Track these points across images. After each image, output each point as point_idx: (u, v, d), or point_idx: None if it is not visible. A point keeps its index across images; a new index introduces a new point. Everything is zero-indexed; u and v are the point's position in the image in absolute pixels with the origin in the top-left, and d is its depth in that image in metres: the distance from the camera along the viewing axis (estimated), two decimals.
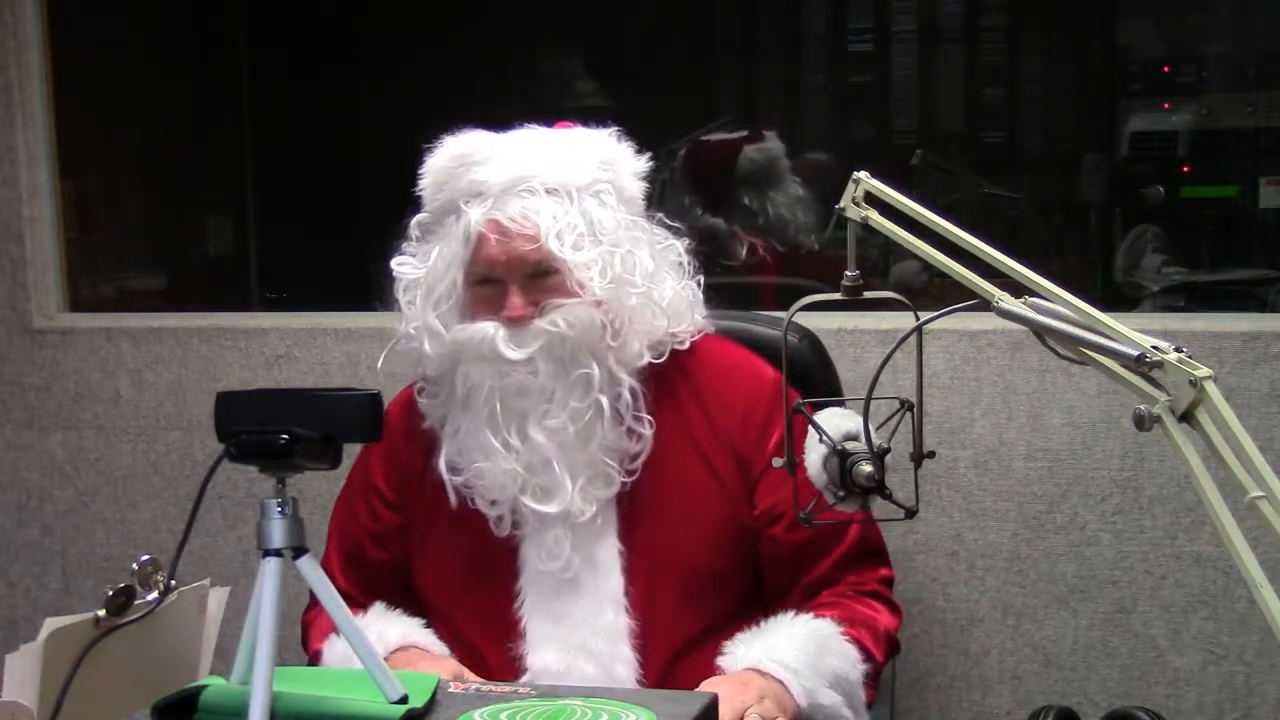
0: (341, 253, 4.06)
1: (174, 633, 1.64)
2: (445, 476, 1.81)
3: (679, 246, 1.89)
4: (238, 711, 1.34)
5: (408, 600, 1.92)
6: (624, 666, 1.78)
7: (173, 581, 1.54)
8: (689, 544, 1.82)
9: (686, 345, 1.86)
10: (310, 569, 1.38)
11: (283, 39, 4.09)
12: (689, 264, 1.88)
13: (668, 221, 1.90)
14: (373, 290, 3.97)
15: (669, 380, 1.86)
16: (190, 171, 3.89)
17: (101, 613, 1.51)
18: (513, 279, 1.78)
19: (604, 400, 1.77)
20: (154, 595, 1.57)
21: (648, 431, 1.80)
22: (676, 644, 1.81)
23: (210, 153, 4.04)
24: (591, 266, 1.76)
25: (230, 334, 2.80)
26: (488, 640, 1.83)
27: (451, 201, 1.82)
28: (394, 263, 1.87)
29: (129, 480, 2.87)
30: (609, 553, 1.80)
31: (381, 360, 1.93)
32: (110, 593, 1.52)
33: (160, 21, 3.75)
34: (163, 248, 3.77)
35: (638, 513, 1.82)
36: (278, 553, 1.36)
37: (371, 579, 1.94)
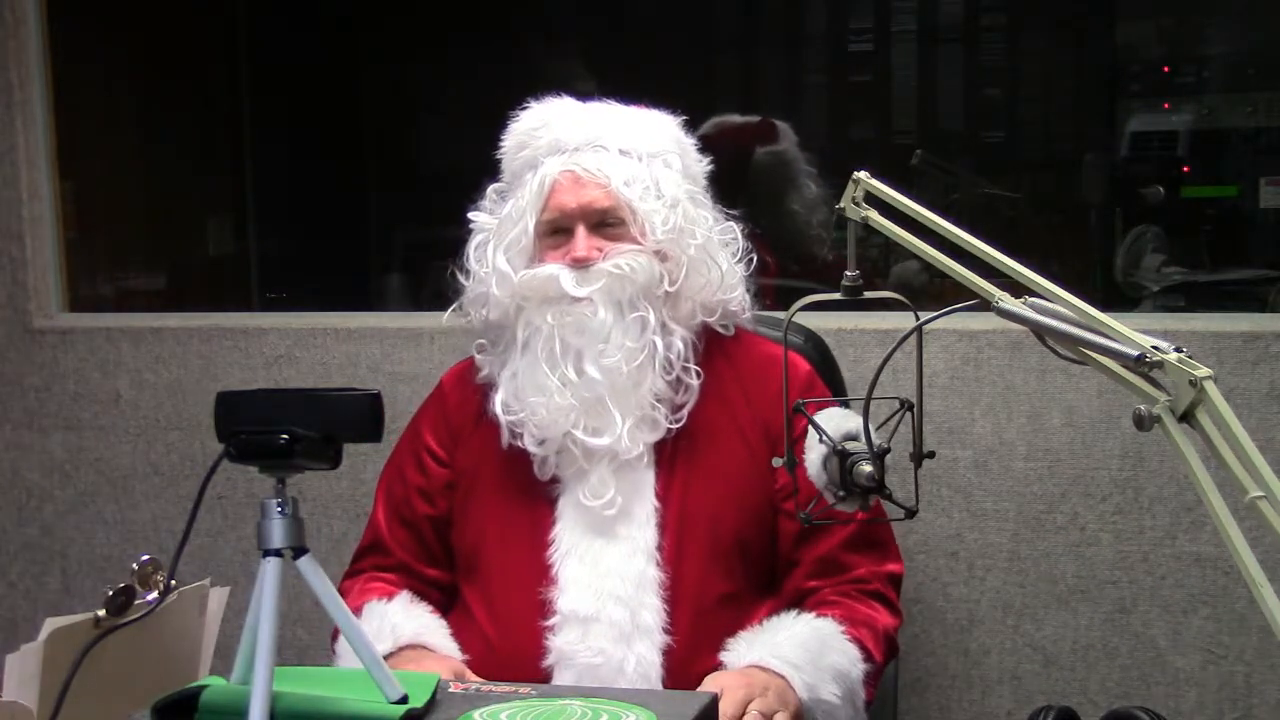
0: (341, 253, 4.07)
1: (174, 633, 1.64)
2: (500, 415, 1.87)
3: (736, 230, 1.98)
4: (238, 711, 1.34)
5: (447, 562, 1.98)
6: (651, 615, 1.82)
7: (173, 581, 1.53)
8: (718, 507, 1.88)
9: (732, 331, 1.95)
10: (310, 569, 1.38)
11: (283, 39, 4.09)
12: (743, 248, 1.97)
13: (726, 210, 2.00)
14: (370, 291, 3.99)
15: (713, 359, 1.93)
16: (190, 171, 3.89)
17: (101, 613, 1.51)
18: (581, 225, 1.88)
19: (658, 343, 1.86)
20: (154, 595, 1.57)
21: (695, 382, 1.89)
22: (702, 603, 1.85)
23: (210, 153, 4.04)
24: (654, 216, 1.87)
25: (230, 334, 2.80)
26: (519, 584, 1.87)
27: (531, 159, 1.93)
28: (471, 214, 1.98)
29: (129, 480, 2.87)
30: (645, 505, 1.86)
31: (446, 318, 2.01)
32: (110, 593, 1.52)
33: (160, 22, 3.75)
34: (163, 248, 3.77)
35: (675, 469, 1.89)
36: (278, 553, 1.36)
37: (417, 535, 1.99)
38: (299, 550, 1.37)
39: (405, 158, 4.02)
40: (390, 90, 4.15)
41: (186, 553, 1.43)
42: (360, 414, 1.39)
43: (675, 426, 1.88)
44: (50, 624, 1.49)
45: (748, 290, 1.96)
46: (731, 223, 1.98)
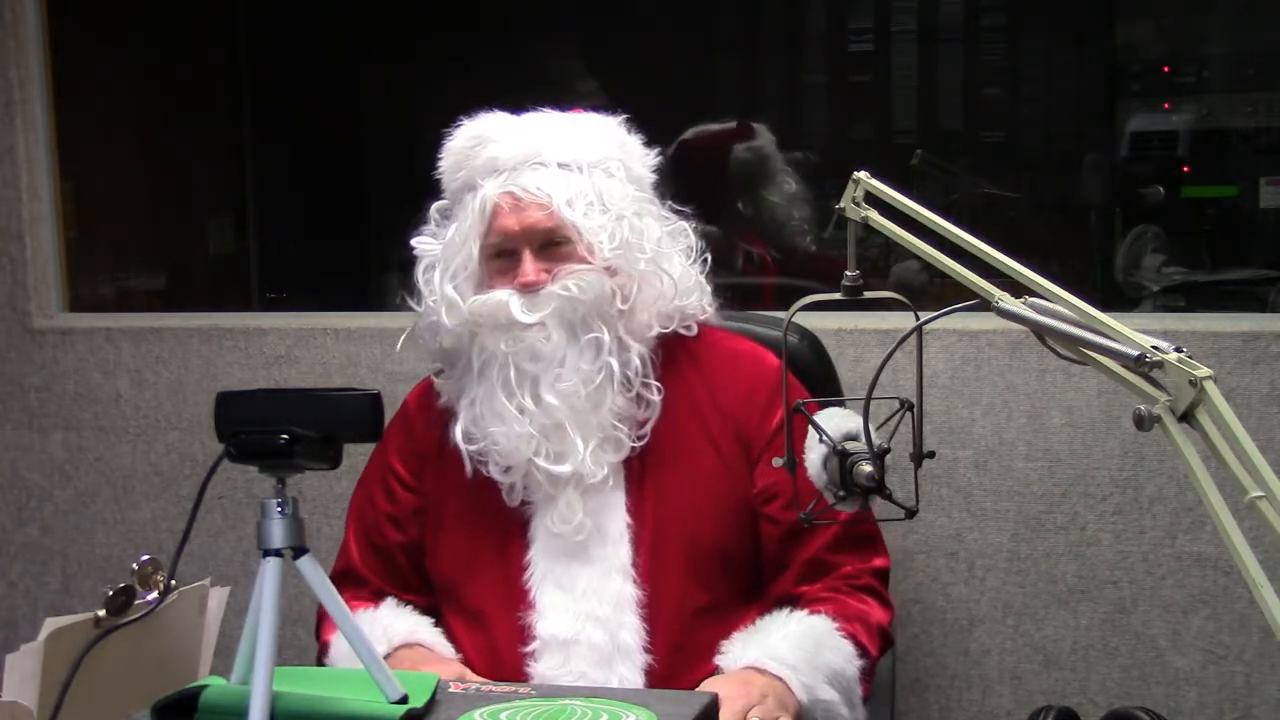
0: (341, 253, 4.07)
1: (174, 633, 1.64)
2: (461, 446, 1.85)
3: (687, 229, 1.94)
4: (238, 711, 1.34)
5: (422, 587, 1.96)
6: (630, 634, 1.81)
7: (173, 581, 1.54)
8: (693, 518, 1.86)
9: (694, 330, 1.91)
10: (310, 569, 1.38)
11: (283, 39, 4.09)
12: (698, 247, 1.93)
13: (676, 206, 1.96)
14: (370, 291, 3.99)
15: (677, 363, 1.91)
16: (190, 171, 3.89)
17: (101, 613, 1.51)
18: (526, 248, 1.84)
19: (614, 364, 1.82)
20: (154, 595, 1.57)
21: (656, 397, 1.86)
22: (682, 616, 1.84)
23: (210, 153, 4.04)
24: (600, 232, 1.83)
25: (230, 334, 2.80)
26: (498, 611, 1.86)
27: (469, 179, 1.88)
28: (414, 241, 1.94)
29: (129, 480, 2.87)
30: (618, 523, 1.84)
31: (400, 343, 2.00)
32: (110, 593, 1.52)
33: (160, 21, 3.75)
34: (163, 248, 3.77)
35: (645, 484, 1.86)
36: (278, 553, 1.36)
37: (389, 562, 1.97)
38: (299, 550, 1.37)
39: (405, 158, 4.02)
40: (390, 90, 4.15)
41: (186, 553, 1.44)
42: (360, 414, 1.39)
43: (639, 445, 1.85)
44: (50, 624, 1.49)
45: (705, 288, 1.92)
46: (683, 223, 1.94)
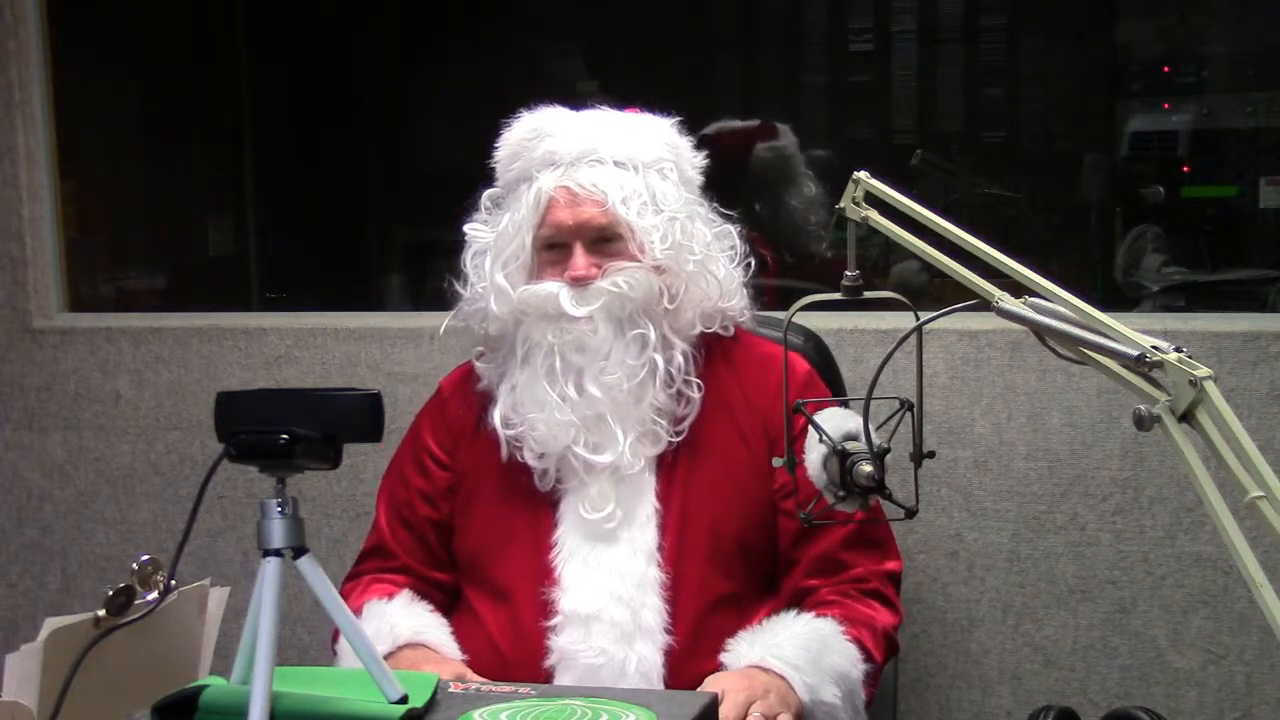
0: (341, 253, 4.07)
1: (174, 633, 1.64)
2: (499, 429, 1.88)
3: (733, 232, 1.97)
4: (238, 711, 1.34)
5: (450, 564, 1.99)
6: (652, 614, 1.83)
7: (173, 581, 1.53)
8: (719, 509, 1.89)
9: (732, 332, 1.95)
10: (310, 569, 1.38)
11: (283, 40, 4.09)
12: (740, 251, 1.97)
13: (723, 210, 1.99)
14: (371, 291, 3.99)
15: (713, 360, 1.94)
16: (190, 171, 3.89)
17: (101, 613, 1.51)
18: (578, 242, 1.87)
19: (659, 360, 1.86)
20: (154, 595, 1.57)
21: (696, 395, 1.89)
22: (703, 602, 1.86)
23: (210, 153, 4.04)
24: (653, 232, 1.86)
25: (230, 334, 2.80)
26: (523, 586, 1.88)
27: (525, 171, 1.92)
28: (467, 227, 1.97)
29: (129, 480, 2.87)
30: (646, 507, 1.87)
31: (444, 327, 2.02)
32: (110, 593, 1.52)
33: (160, 22, 3.75)
34: (163, 248, 3.77)
35: (676, 473, 1.89)
36: (278, 553, 1.36)
37: (419, 538, 1.99)
38: (299, 550, 1.37)
39: (405, 158, 4.02)
40: (390, 90, 4.15)
41: (186, 553, 1.43)
42: (360, 414, 1.39)
43: (676, 440, 1.89)
44: (50, 624, 1.48)
45: (746, 292, 1.96)
46: (729, 226, 1.98)
